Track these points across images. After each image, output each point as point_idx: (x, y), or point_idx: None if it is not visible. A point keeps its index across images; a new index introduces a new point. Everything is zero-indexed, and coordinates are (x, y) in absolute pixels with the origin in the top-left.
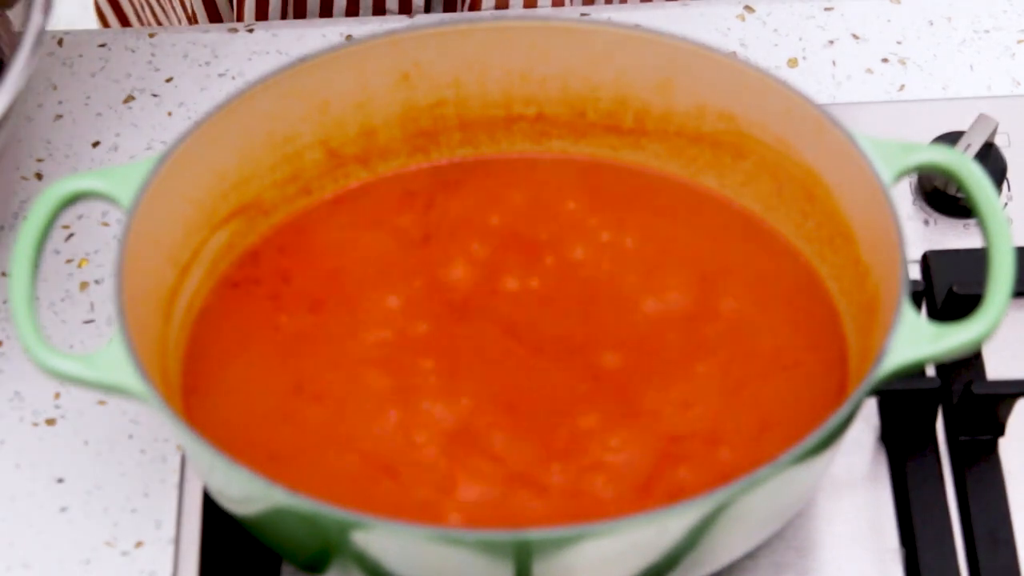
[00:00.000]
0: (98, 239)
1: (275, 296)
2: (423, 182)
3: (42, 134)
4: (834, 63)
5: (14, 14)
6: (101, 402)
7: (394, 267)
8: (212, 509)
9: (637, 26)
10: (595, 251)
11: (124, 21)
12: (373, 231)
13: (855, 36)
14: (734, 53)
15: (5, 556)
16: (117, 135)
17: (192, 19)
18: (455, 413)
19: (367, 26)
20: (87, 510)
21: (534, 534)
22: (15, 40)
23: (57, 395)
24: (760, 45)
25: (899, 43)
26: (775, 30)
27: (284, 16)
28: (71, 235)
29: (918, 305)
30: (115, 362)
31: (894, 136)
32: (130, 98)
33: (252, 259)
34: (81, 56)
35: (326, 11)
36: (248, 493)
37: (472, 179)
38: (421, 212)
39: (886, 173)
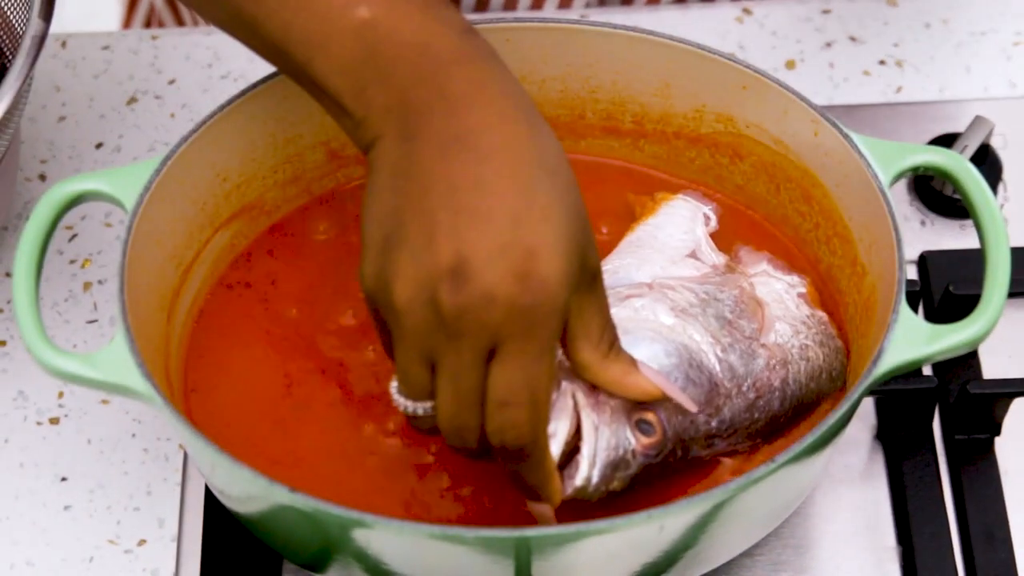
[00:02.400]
0: (101, 240)
1: (264, 300)
2: None
3: (45, 135)
4: (831, 65)
5: (16, 17)
6: (104, 401)
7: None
8: (214, 507)
9: (636, 28)
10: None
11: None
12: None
13: (852, 38)
14: (732, 55)
15: (9, 554)
16: (120, 136)
17: None
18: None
19: None
20: (90, 508)
21: (534, 532)
22: (17, 43)
23: (61, 394)
24: (758, 47)
25: (896, 45)
26: (773, 32)
27: None
28: (74, 236)
29: (915, 305)
30: (118, 362)
31: (891, 138)
32: (133, 100)
33: (246, 261)
34: (84, 58)
35: None
36: (250, 492)
37: None
38: None
39: (883, 174)
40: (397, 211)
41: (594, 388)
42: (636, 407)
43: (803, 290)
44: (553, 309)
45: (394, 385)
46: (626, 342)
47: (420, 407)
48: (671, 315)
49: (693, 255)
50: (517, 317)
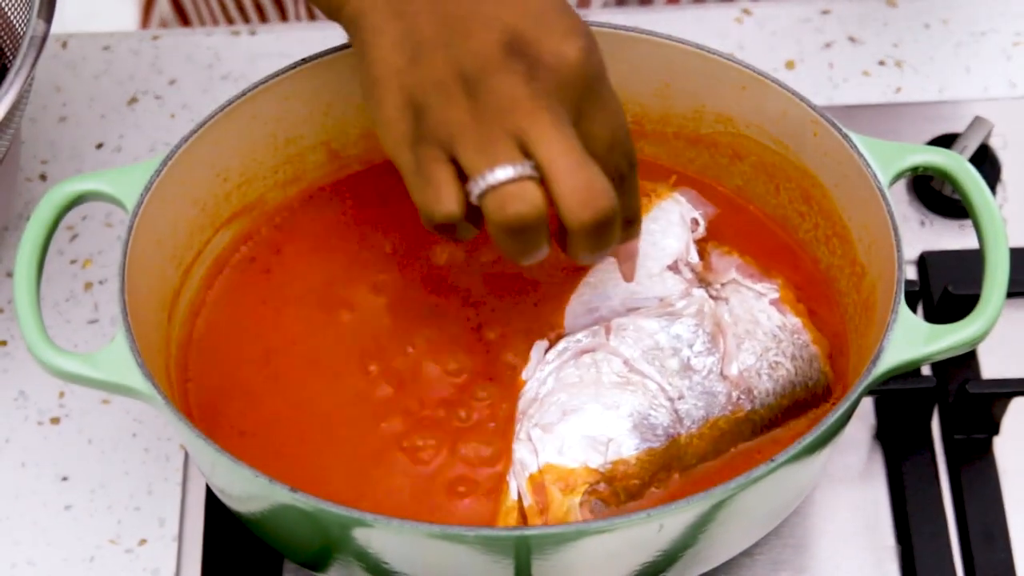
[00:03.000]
0: (102, 240)
1: (268, 269)
2: None
3: (46, 136)
4: (831, 65)
5: (17, 18)
6: (105, 401)
7: (380, 246)
8: (215, 507)
9: (636, 28)
10: None
11: (184, 19)
12: (366, 216)
13: (852, 39)
14: (732, 55)
15: (10, 553)
16: (121, 137)
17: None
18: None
19: None
20: (91, 508)
21: (534, 532)
22: (18, 43)
23: (62, 394)
24: (758, 47)
25: (895, 46)
26: (773, 33)
27: None
28: (75, 236)
29: (914, 305)
30: (118, 362)
31: (891, 138)
32: (134, 100)
33: (247, 240)
34: (85, 59)
35: None
36: (250, 491)
37: None
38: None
39: (883, 174)
40: (411, 31)
41: None
42: None
43: (775, 295)
44: (600, 55)
45: (474, 182)
46: (577, 415)
47: (524, 166)
48: (625, 368)
49: (675, 265)
50: (587, 68)
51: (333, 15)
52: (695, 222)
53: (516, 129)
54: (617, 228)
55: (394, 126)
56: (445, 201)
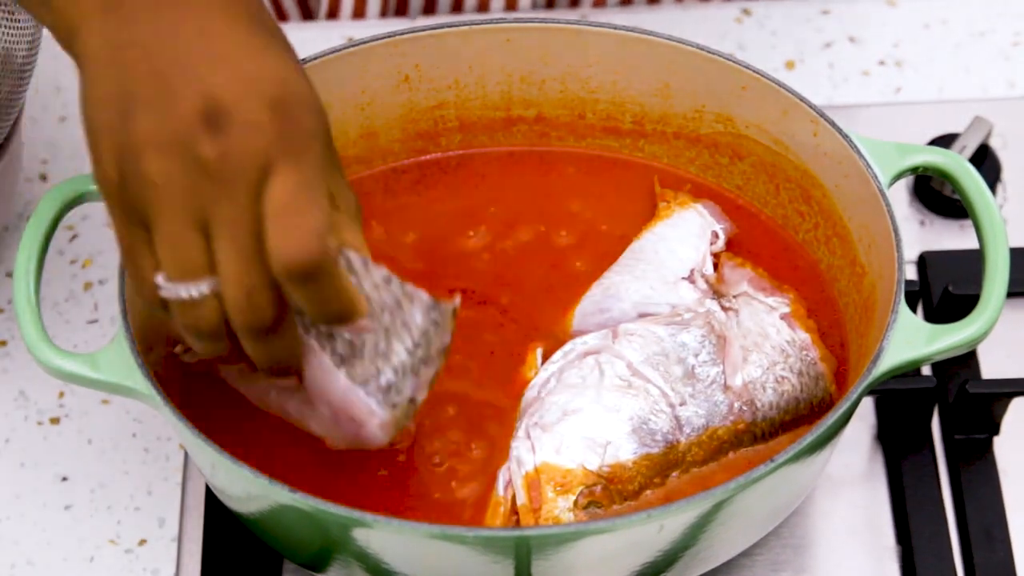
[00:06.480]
0: (102, 240)
1: None
2: (422, 171)
3: (47, 136)
4: (831, 65)
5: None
6: (105, 401)
7: (383, 246)
8: (215, 507)
9: (636, 28)
10: (594, 243)
11: None
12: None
13: (852, 39)
14: (732, 55)
15: (10, 553)
16: None
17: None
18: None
19: (369, 28)
20: (91, 508)
21: (534, 532)
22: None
23: (61, 394)
24: (758, 47)
25: (895, 46)
26: (773, 33)
27: (384, 14)
28: (75, 236)
29: (914, 305)
30: (118, 362)
31: (891, 138)
32: None
33: None
34: None
35: (430, 9)
36: (250, 491)
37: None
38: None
39: (883, 174)
40: (123, 83)
41: None
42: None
43: (786, 310)
44: (319, 125)
45: (161, 277)
46: (577, 416)
47: (204, 285)
48: (628, 372)
49: (691, 276)
50: (287, 140)
51: (68, 51)
52: (715, 235)
53: (201, 216)
54: (283, 340)
55: (106, 185)
56: (143, 293)
